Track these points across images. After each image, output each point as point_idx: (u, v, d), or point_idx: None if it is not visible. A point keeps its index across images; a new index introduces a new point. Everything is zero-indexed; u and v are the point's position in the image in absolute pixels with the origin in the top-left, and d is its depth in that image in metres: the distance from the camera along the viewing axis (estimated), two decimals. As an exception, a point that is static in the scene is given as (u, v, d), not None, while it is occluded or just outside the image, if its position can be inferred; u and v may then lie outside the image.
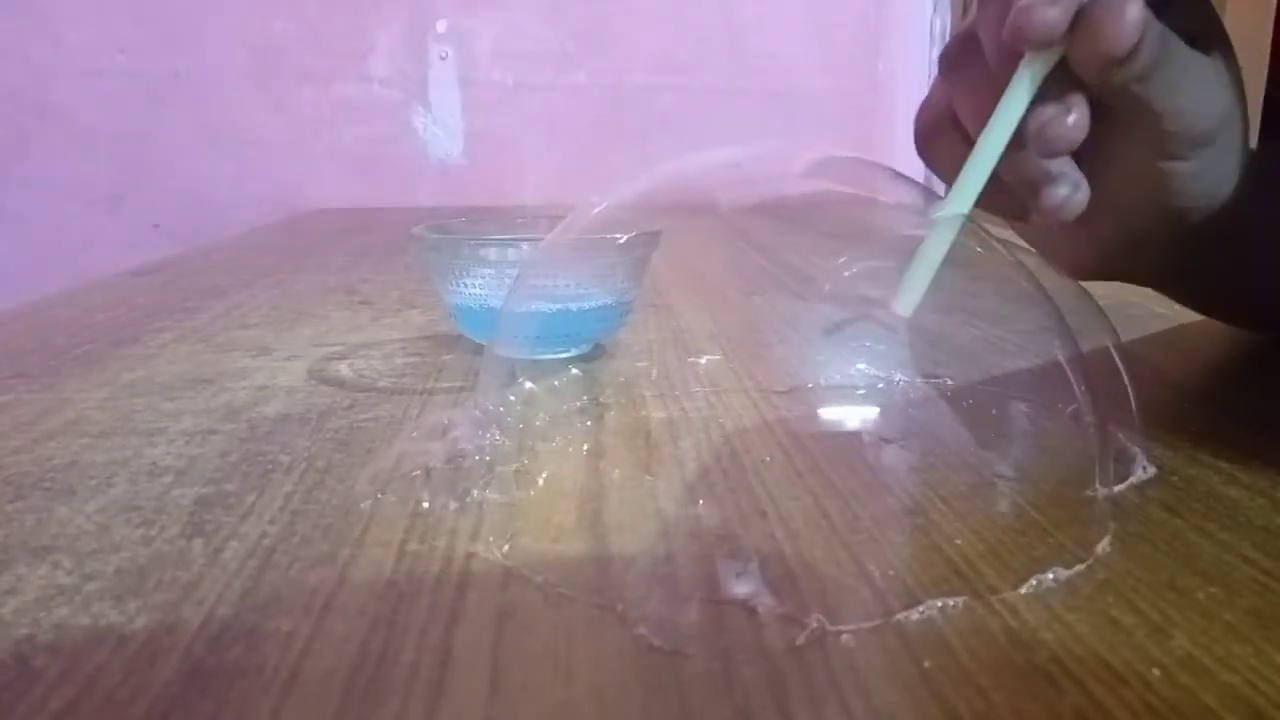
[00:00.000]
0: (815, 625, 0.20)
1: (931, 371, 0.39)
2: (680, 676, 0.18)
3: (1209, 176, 0.30)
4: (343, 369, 0.41)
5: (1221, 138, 0.29)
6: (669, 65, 1.31)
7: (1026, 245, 0.35)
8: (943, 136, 0.32)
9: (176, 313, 0.53)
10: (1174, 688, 0.17)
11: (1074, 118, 0.26)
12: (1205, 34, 0.29)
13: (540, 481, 0.28)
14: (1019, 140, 0.27)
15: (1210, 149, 0.29)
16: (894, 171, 0.31)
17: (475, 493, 0.27)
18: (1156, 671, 0.18)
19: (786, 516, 0.25)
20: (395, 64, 1.26)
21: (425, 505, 0.26)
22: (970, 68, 0.30)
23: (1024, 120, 0.27)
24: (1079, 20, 0.25)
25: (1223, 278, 0.38)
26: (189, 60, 1.21)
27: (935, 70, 0.33)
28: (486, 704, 0.17)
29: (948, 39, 0.32)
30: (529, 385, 0.38)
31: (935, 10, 1.33)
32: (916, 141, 0.34)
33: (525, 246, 0.41)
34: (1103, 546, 0.23)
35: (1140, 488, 0.27)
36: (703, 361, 0.42)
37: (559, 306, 0.40)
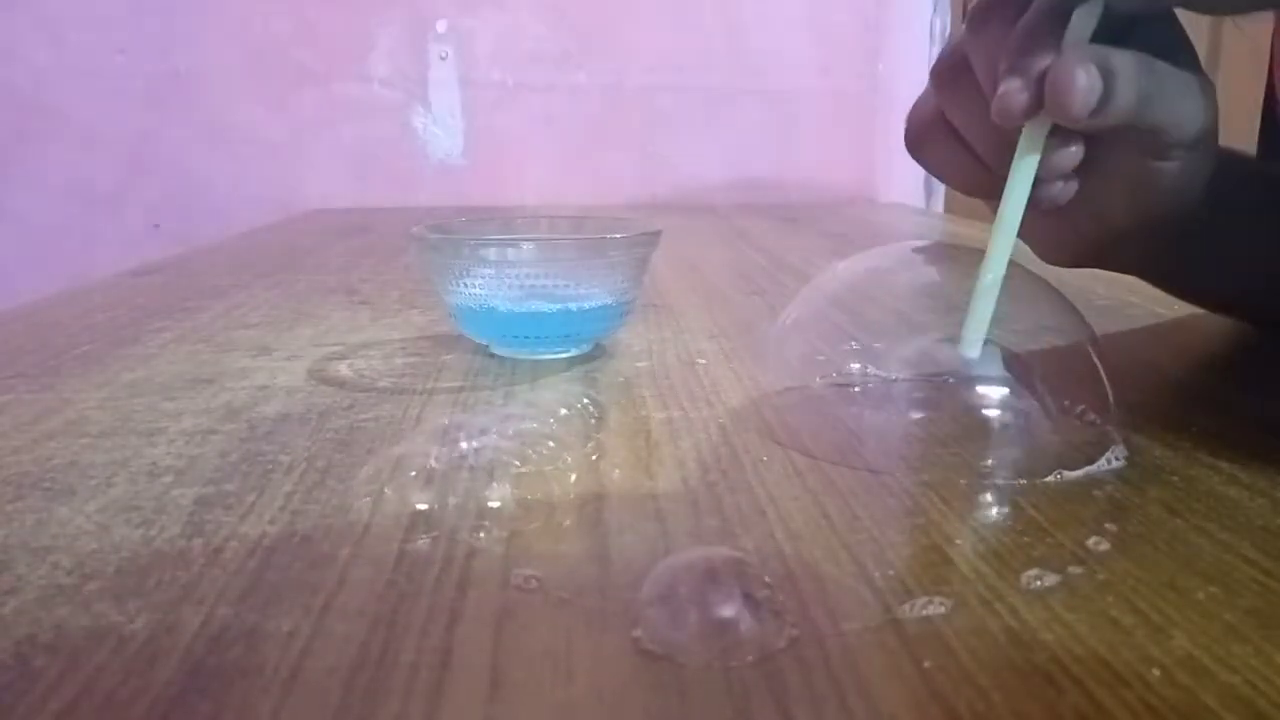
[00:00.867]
0: (798, 633, 0.20)
1: (931, 371, 0.39)
2: (680, 676, 0.18)
3: (1190, 174, 0.32)
4: (343, 369, 0.41)
5: (1205, 139, 0.31)
6: (669, 65, 1.31)
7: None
8: (933, 138, 0.35)
9: (176, 313, 0.53)
10: (1174, 688, 0.17)
11: (1075, 148, 0.30)
12: (1177, 50, 0.30)
13: (540, 482, 0.28)
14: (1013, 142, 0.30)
15: (1194, 150, 0.31)
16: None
17: (475, 493, 0.27)
18: (1156, 671, 0.18)
19: (786, 516, 0.25)
20: (395, 64, 1.26)
21: (425, 506, 0.26)
22: (963, 86, 0.32)
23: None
24: (1046, 93, 0.28)
25: (1195, 268, 0.40)
26: (189, 60, 1.21)
27: (931, 77, 0.34)
28: (486, 704, 0.17)
29: (945, 43, 0.34)
30: (528, 385, 0.38)
31: (935, 10, 1.33)
32: (907, 142, 0.36)
33: (525, 246, 0.41)
34: (1103, 546, 0.23)
35: (1140, 488, 0.27)
36: (702, 361, 0.42)
37: (559, 306, 0.40)
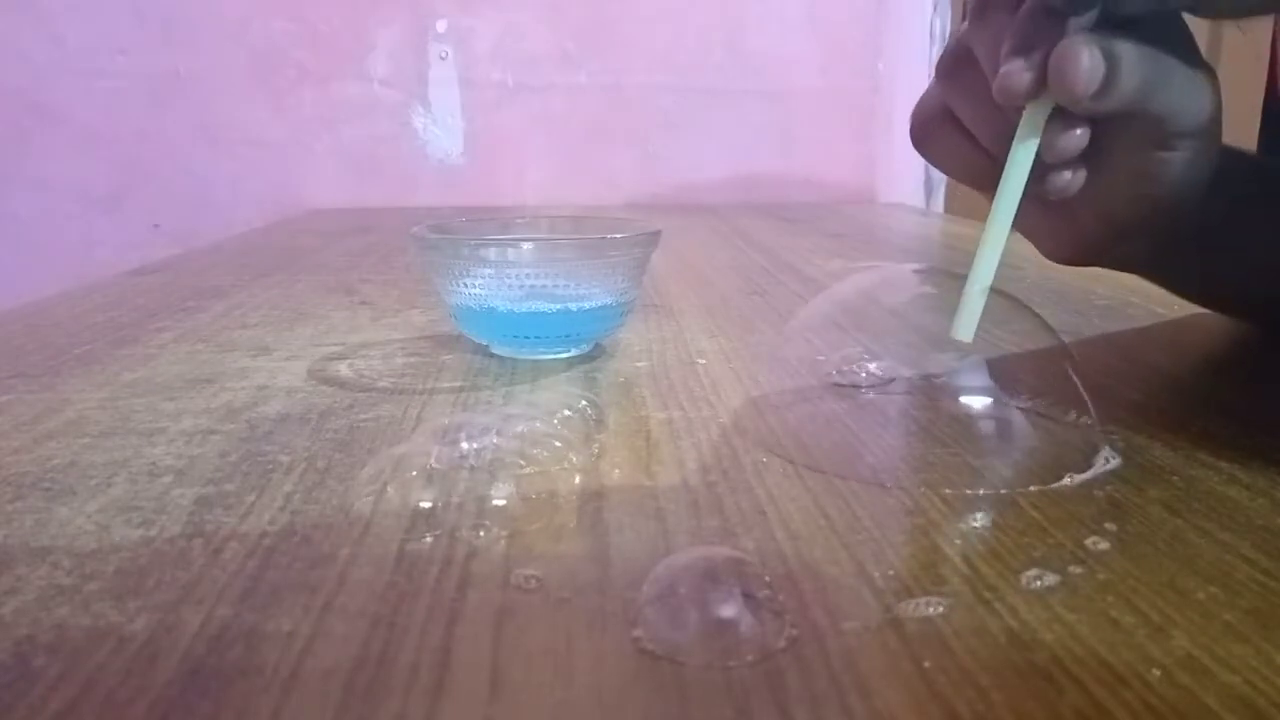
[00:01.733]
0: (798, 633, 0.20)
1: (931, 371, 0.39)
2: (680, 676, 0.18)
3: (1192, 167, 0.32)
4: (343, 369, 0.41)
5: (1208, 131, 0.31)
6: (669, 65, 1.31)
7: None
8: (938, 131, 0.35)
9: (176, 313, 0.53)
10: (1174, 688, 0.17)
11: (1079, 131, 0.30)
12: (1180, 43, 0.30)
13: (540, 482, 0.28)
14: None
15: (1197, 141, 0.31)
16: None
17: (475, 493, 0.27)
18: (1156, 671, 0.18)
19: (786, 517, 0.25)
20: (395, 64, 1.26)
21: (425, 505, 0.26)
22: (966, 76, 0.32)
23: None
24: (1049, 73, 0.28)
25: (1198, 266, 0.40)
26: (189, 60, 1.21)
27: (935, 71, 0.34)
28: (486, 704, 0.17)
29: (947, 40, 0.34)
30: (528, 386, 0.38)
31: (935, 10, 1.33)
32: (912, 136, 0.36)
33: (525, 246, 0.42)
34: (1103, 546, 0.23)
35: (1140, 488, 0.27)
36: (702, 361, 0.42)
37: (559, 306, 0.40)
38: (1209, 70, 0.31)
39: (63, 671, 0.18)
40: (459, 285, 0.40)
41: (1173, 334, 0.49)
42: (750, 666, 0.18)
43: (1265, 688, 0.17)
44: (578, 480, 0.28)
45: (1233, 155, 0.38)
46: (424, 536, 0.24)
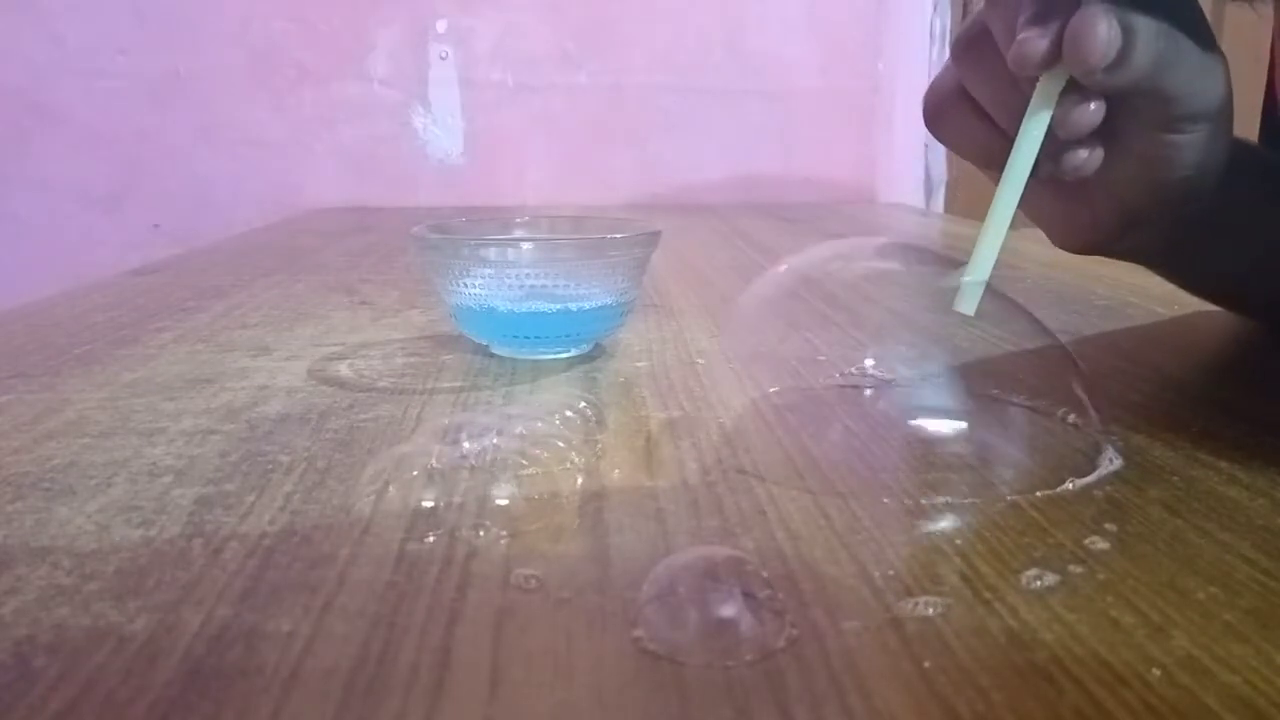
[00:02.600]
0: (798, 633, 0.20)
1: (931, 371, 0.39)
2: (680, 676, 0.18)
3: (1205, 152, 0.32)
4: (343, 369, 0.41)
5: (1220, 115, 0.31)
6: (669, 65, 1.31)
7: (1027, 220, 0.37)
8: (952, 110, 0.35)
9: (176, 313, 0.53)
10: (1174, 688, 0.17)
11: (1094, 106, 0.30)
12: (1193, 27, 0.30)
13: (540, 482, 0.28)
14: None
15: (1209, 124, 0.31)
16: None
17: (475, 493, 0.27)
18: (1156, 671, 0.18)
19: (786, 516, 0.25)
20: (395, 64, 1.26)
21: (426, 505, 0.26)
22: (983, 56, 0.32)
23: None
24: (1064, 43, 0.28)
25: (1206, 257, 0.40)
26: (189, 60, 1.21)
27: (935, 71, 0.34)
28: (486, 704, 0.17)
29: (954, 32, 0.34)
30: (528, 386, 0.38)
31: (935, 10, 1.33)
32: (926, 115, 0.36)
33: (525, 246, 0.42)
34: (1103, 546, 0.23)
35: (1140, 488, 0.27)
36: (702, 361, 0.42)
37: (559, 306, 0.40)
38: (1220, 54, 0.31)
39: (63, 671, 0.18)
40: (459, 285, 0.40)
41: (1173, 334, 0.49)
42: (750, 666, 0.18)
43: (1265, 688, 0.17)
44: (578, 480, 0.28)
45: (1244, 149, 0.38)
46: (424, 536, 0.24)
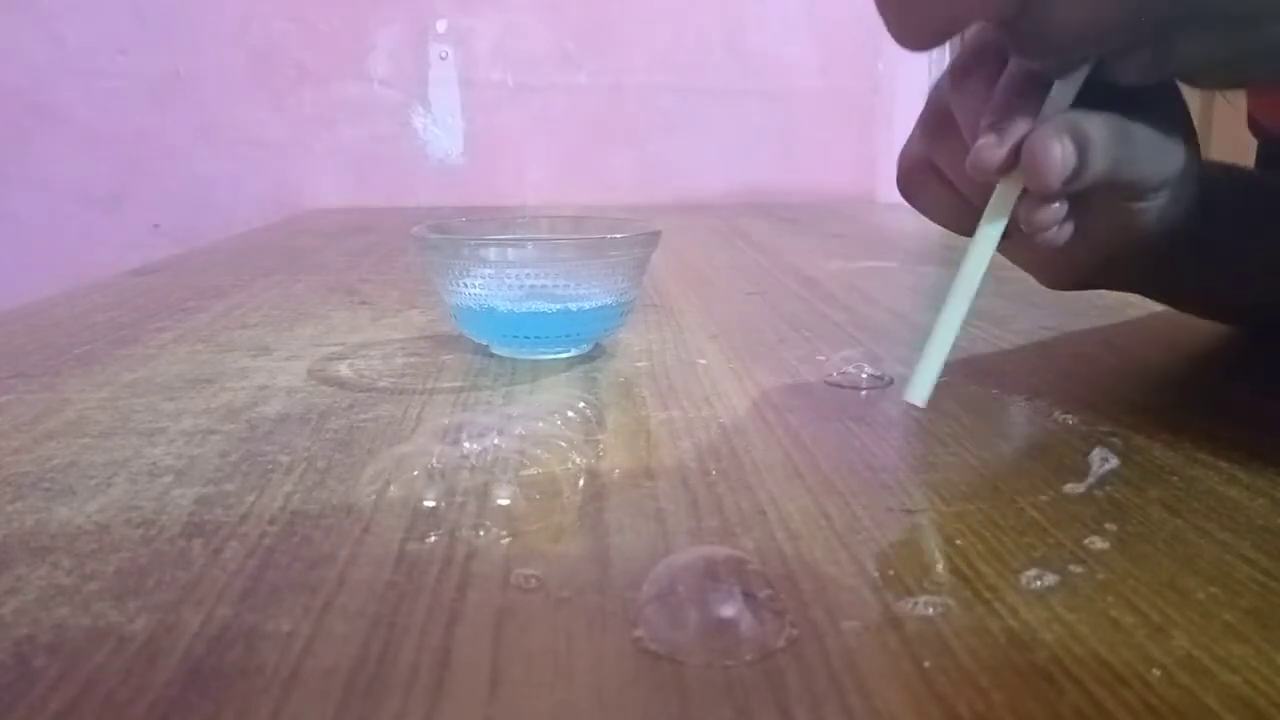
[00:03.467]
0: (798, 633, 0.20)
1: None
2: (680, 676, 0.18)
3: (1172, 206, 0.32)
4: (343, 369, 0.41)
5: (1184, 174, 0.32)
6: (669, 65, 1.31)
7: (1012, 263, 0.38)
8: (923, 181, 0.35)
9: (176, 313, 0.53)
10: (1174, 688, 0.17)
11: (1056, 206, 0.30)
12: (1155, 100, 0.31)
13: (540, 482, 0.28)
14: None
15: (1171, 188, 0.32)
16: None
17: (475, 493, 0.27)
18: (1156, 671, 0.18)
19: (786, 516, 0.25)
20: (395, 64, 1.26)
21: (425, 505, 0.26)
22: (947, 133, 0.33)
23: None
24: (1022, 159, 0.28)
25: (1194, 281, 0.41)
26: (189, 60, 1.21)
27: (935, 71, 0.35)
28: (486, 704, 0.17)
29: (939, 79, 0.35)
30: (529, 386, 0.38)
31: (935, 10, 1.33)
32: (900, 187, 0.37)
33: (525, 246, 0.42)
34: (1103, 546, 0.23)
35: (1140, 488, 0.27)
36: (702, 361, 0.42)
37: (559, 306, 0.40)
38: (1183, 119, 0.32)
39: (63, 671, 0.18)
40: (459, 285, 0.40)
41: (1173, 334, 0.49)
42: (750, 666, 0.18)
43: (1265, 688, 0.17)
44: (578, 480, 0.28)
45: (1229, 171, 0.39)
46: (424, 536, 0.24)
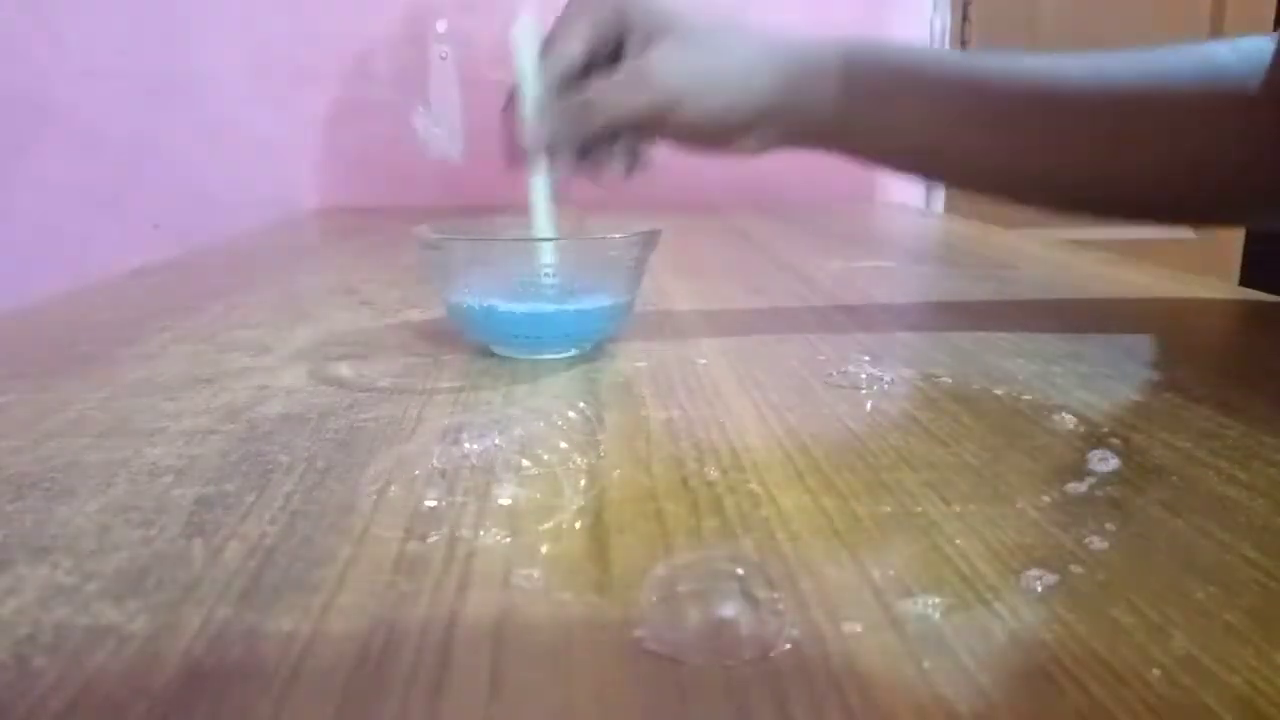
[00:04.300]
0: (798, 633, 0.20)
1: (931, 371, 0.39)
2: (680, 676, 0.18)
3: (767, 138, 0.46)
4: (343, 369, 0.41)
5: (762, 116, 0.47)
6: (669, 65, 1.31)
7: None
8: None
9: (176, 313, 0.53)
10: (1174, 688, 0.17)
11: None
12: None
13: (540, 482, 0.28)
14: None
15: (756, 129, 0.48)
16: None
17: (475, 493, 0.27)
18: (1156, 671, 0.18)
19: (786, 516, 0.25)
20: (395, 64, 1.26)
21: (426, 505, 0.26)
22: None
23: None
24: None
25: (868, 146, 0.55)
26: (189, 60, 1.21)
27: None
28: (486, 704, 0.17)
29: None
30: (529, 386, 0.38)
31: (935, 10, 1.33)
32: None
33: (525, 246, 0.42)
34: (1103, 546, 0.23)
35: (1140, 488, 0.27)
36: (703, 361, 0.42)
37: (559, 306, 0.40)
38: (760, 67, 0.46)
39: (63, 671, 0.18)
40: (459, 285, 0.40)
41: (1172, 333, 0.49)
42: (750, 666, 0.18)
43: (1265, 688, 0.17)
44: (579, 481, 0.28)
45: (863, 52, 0.52)
46: (425, 536, 0.24)
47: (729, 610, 0.20)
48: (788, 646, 0.19)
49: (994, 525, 0.25)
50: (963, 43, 1.37)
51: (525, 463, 0.29)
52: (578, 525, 0.25)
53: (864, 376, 0.38)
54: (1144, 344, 0.47)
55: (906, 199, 1.37)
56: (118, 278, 0.67)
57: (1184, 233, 1.50)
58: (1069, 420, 0.33)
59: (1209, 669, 0.18)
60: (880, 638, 0.19)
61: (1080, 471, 0.28)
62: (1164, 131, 0.47)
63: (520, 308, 0.40)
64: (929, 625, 0.20)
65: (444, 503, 0.26)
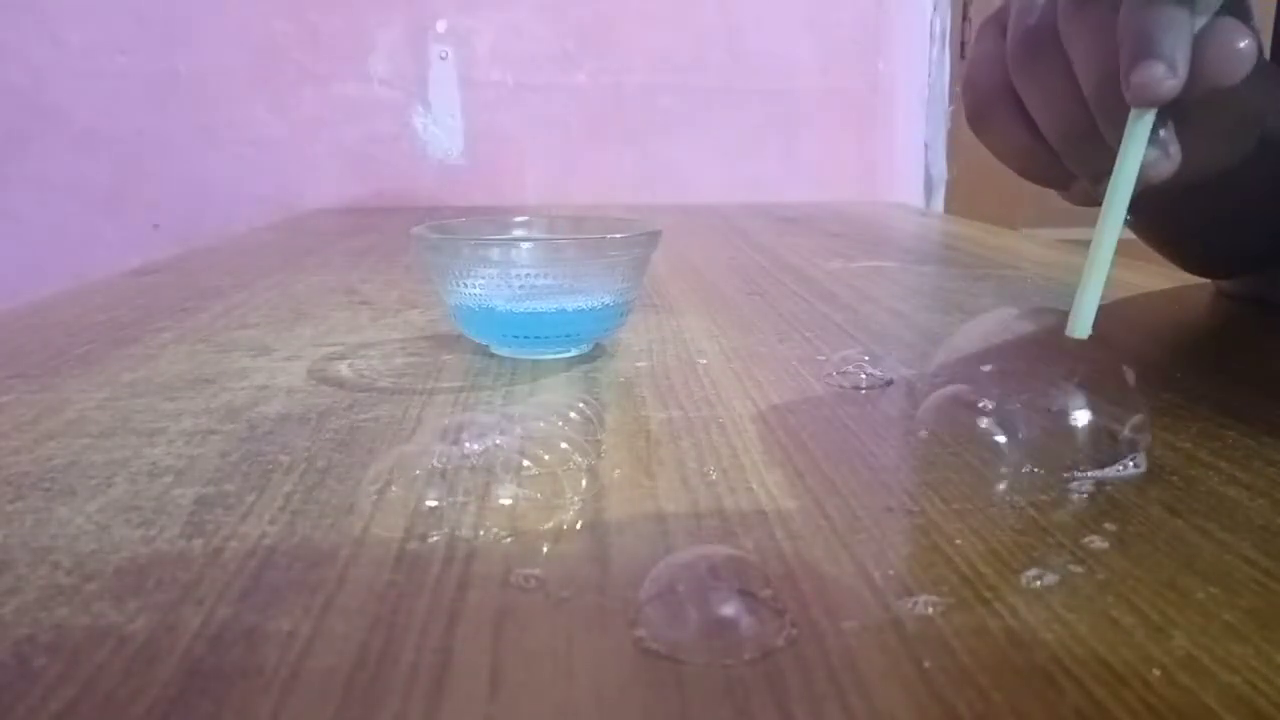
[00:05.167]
0: (798, 632, 0.20)
1: (931, 370, 0.39)
2: (680, 676, 0.18)
3: (1245, 146, 0.34)
4: (343, 369, 0.41)
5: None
6: (669, 65, 1.31)
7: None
8: (999, 114, 0.34)
9: (176, 313, 0.53)
10: (1174, 688, 0.17)
11: (1173, 150, 0.30)
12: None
13: (540, 482, 0.28)
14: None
15: (1257, 128, 0.33)
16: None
17: (475, 493, 0.27)
18: (1156, 671, 0.18)
19: (786, 516, 0.25)
20: (395, 64, 1.26)
21: (426, 505, 0.26)
22: (1048, 72, 0.32)
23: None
24: (1196, 61, 0.28)
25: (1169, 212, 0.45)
26: (189, 60, 1.21)
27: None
28: (486, 704, 0.17)
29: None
30: (528, 386, 0.38)
31: (935, 10, 1.33)
32: (969, 112, 0.35)
33: (525, 246, 0.42)
34: (1103, 546, 0.23)
35: (1140, 488, 0.27)
36: (703, 361, 0.42)
37: (559, 306, 0.40)
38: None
39: (63, 671, 0.18)
40: (459, 285, 0.40)
41: (1173, 334, 0.49)
42: (750, 666, 0.18)
43: (1265, 688, 0.17)
44: (579, 480, 0.28)
45: None
46: (425, 536, 0.24)
47: (729, 610, 0.20)
48: (788, 646, 0.19)
49: (994, 525, 0.24)
50: (962, 43, 1.37)
51: (525, 463, 0.29)
52: (578, 525, 0.25)
53: (864, 376, 0.38)
54: (1144, 344, 0.47)
55: (906, 199, 1.37)
56: (118, 278, 0.67)
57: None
58: (1069, 420, 0.33)
59: (1209, 669, 0.18)
60: (880, 638, 0.19)
61: (1092, 474, 0.28)
62: None
63: (520, 308, 0.40)
64: (929, 625, 0.20)
65: (444, 503, 0.26)
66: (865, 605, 0.20)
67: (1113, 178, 0.30)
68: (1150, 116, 0.29)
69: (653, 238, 0.42)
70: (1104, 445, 0.30)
